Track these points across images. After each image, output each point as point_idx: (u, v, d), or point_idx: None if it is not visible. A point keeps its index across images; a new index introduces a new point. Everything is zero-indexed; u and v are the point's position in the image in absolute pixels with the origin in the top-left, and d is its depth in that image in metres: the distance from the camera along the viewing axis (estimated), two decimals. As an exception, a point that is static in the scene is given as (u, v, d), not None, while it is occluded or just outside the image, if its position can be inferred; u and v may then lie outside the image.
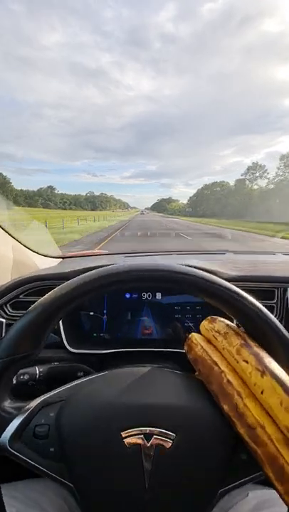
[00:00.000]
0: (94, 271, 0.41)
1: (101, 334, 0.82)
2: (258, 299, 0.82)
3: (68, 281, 0.41)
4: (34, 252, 1.07)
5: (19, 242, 0.99)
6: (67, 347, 0.74)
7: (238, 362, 0.37)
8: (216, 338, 0.42)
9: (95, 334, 0.82)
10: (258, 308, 0.40)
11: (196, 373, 0.44)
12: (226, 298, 0.40)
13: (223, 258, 1.14)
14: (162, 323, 0.83)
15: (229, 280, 0.78)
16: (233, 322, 0.45)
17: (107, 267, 0.42)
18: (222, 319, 0.45)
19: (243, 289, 0.82)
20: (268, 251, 1.45)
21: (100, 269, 0.41)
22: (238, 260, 1.04)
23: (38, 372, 0.65)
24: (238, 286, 0.82)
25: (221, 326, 0.43)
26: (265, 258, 1.16)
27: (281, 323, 0.37)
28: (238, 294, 0.41)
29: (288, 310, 0.77)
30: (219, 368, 0.38)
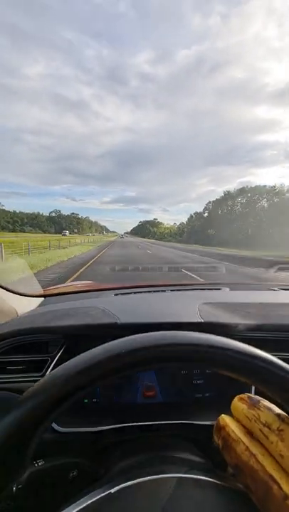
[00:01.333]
0: (102, 348, 0.30)
1: (94, 400, 0.67)
2: (272, 350, 0.66)
3: (67, 365, 0.30)
4: (10, 291, 0.90)
5: None
6: (53, 424, 0.58)
7: None
8: (265, 436, 0.32)
9: (86, 400, 0.66)
10: None
11: (231, 471, 0.35)
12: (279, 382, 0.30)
13: (224, 297, 1.02)
14: (166, 381, 0.69)
15: (246, 331, 0.63)
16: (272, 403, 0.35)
17: (110, 345, 0.31)
18: (266, 403, 0.35)
19: (257, 340, 0.68)
20: (263, 284, 1.37)
21: (106, 348, 0.31)
22: (241, 300, 0.92)
23: (14, 488, 0.44)
24: (252, 337, 0.67)
25: (270, 417, 0.32)
26: (268, 296, 1.05)
27: None
28: None
29: None
30: (281, 488, 0.28)
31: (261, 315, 0.76)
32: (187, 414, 0.62)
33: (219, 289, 1.18)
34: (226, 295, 1.06)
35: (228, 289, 1.17)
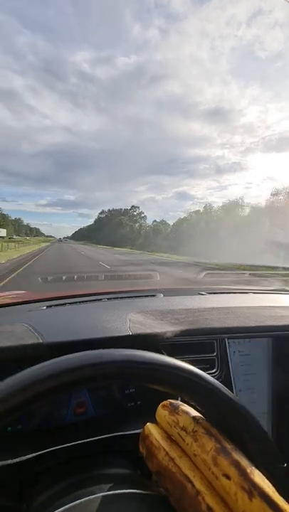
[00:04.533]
0: (24, 374, 0.30)
1: (18, 427, 0.60)
2: (198, 352, 0.75)
3: None
4: None
5: None
6: None
7: (217, 478, 0.29)
8: (182, 439, 0.34)
9: (9, 429, 0.59)
10: (217, 389, 0.33)
11: (154, 478, 0.36)
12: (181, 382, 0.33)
13: (157, 304, 1.07)
14: (98, 393, 0.67)
15: (174, 337, 0.68)
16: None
17: (37, 368, 0.31)
18: (185, 407, 0.37)
19: (183, 344, 0.74)
20: (193, 289, 1.45)
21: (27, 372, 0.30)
22: (172, 307, 0.99)
23: None
24: (179, 342, 0.73)
25: (187, 420, 0.34)
26: (198, 301, 1.13)
27: (221, 377, 0.33)
28: (198, 376, 0.33)
29: (227, 362, 0.78)
30: (193, 486, 0.30)
31: (189, 321, 0.80)
32: (119, 425, 0.62)
33: (154, 296, 1.21)
34: (159, 302, 1.09)
35: (161, 295, 1.21)
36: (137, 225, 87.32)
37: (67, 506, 0.34)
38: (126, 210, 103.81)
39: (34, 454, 0.54)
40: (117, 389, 0.69)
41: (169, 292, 1.31)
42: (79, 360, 0.31)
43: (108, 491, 0.37)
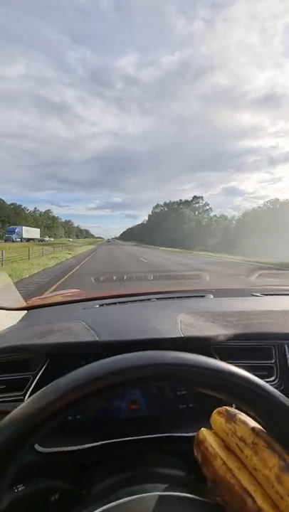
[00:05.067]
0: (84, 370, 0.31)
1: (77, 417, 0.65)
2: (253, 358, 0.69)
3: (48, 388, 0.30)
4: None
5: None
6: (35, 445, 0.55)
7: (282, 498, 0.27)
8: (241, 450, 0.33)
9: (69, 418, 0.64)
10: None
11: (210, 485, 0.35)
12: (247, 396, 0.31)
13: (207, 305, 1.03)
14: (151, 393, 0.69)
15: (226, 340, 0.65)
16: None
17: (96, 365, 0.32)
18: (242, 416, 0.35)
19: (237, 348, 0.70)
20: (245, 289, 1.39)
21: (88, 369, 0.32)
22: (223, 308, 0.94)
23: None
24: (232, 346, 0.69)
25: (246, 431, 0.33)
26: (251, 303, 1.07)
27: (281, 386, 0.31)
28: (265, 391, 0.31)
29: (288, 371, 0.71)
30: (255, 501, 0.28)
31: (243, 324, 0.77)
32: (171, 426, 0.62)
33: (203, 296, 1.19)
34: (209, 303, 1.07)
35: (211, 296, 1.18)
36: (204, 219, 66.03)
37: (122, 500, 0.34)
38: (186, 201, 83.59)
39: (93, 444, 0.58)
40: (169, 390, 0.70)
41: (219, 293, 1.27)
42: (142, 360, 0.32)
43: (163, 491, 0.36)
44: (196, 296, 1.23)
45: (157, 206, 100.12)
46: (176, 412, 0.68)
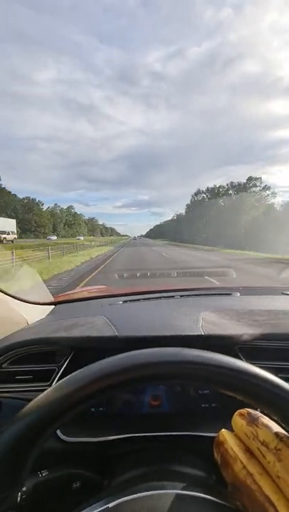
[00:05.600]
0: (109, 361, 0.31)
1: (100, 409, 0.66)
2: (281, 359, 0.64)
3: (72, 376, 0.31)
4: (21, 300, 0.92)
5: (1, 292, 0.85)
6: (59, 434, 0.58)
7: None
8: (263, 455, 0.31)
9: (92, 409, 0.66)
10: None
11: (230, 489, 0.34)
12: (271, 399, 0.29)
13: (233, 303, 0.99)
14: (173, 390, 0.68)
15: (251, 340, 0.62)
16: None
17: (122, 356, 0.32)
18: (265, 420, 0.34)
19: (264, 348, 0.66)
20: (275, 287, 1.34)
21: (117, 359, 0.32)
22: (250, 307, 0.90)
23: (19, 497, 0.48)
24: (258, 346, 0.66)
25: (268, 436, 0.32)
26: (281, 302, 1.02)
27: None
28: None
29: None
30: (277, 511, 0.27)
31: (271, 323, 0.75)
32: (193, 425, 0.62)
33: (229, 294, 1.17)
34: (236, 301, 1.04)
35: (238, 294, 1.15)
36: (273, 207, 46.00)
37: (139, 494, 0.34)
38: (239, 184, 60.68)
39: (116, 437, 0.59)
40: (191, 388, 0.68)
41: (246, 291, 1.23)
42: (153, 357, 0.32)
43: (182, 490, 0.36)
44: (222, 294, 1.20)
45: (198, 193, 72.46)
46: (198, 411, 0.67)
